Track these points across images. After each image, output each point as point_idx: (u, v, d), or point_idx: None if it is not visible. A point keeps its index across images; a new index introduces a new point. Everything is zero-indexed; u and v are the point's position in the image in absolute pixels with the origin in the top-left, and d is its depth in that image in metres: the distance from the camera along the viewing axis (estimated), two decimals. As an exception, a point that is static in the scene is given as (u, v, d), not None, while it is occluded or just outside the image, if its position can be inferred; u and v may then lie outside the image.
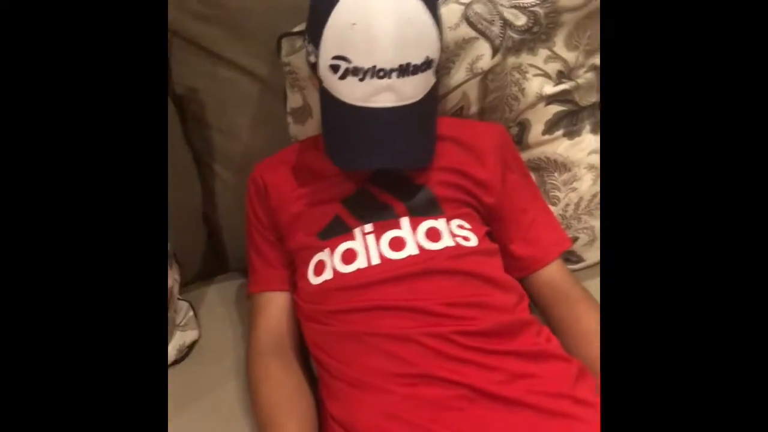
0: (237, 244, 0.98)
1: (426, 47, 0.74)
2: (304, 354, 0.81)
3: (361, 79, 0.73)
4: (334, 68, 0.74)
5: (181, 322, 0.86)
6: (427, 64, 0.75)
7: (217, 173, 0.95)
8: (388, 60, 0.72)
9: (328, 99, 0.77)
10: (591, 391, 0.72)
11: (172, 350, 0.83)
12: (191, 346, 0.86)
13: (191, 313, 0.88)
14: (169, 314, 0.83)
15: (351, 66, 0.73)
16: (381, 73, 0.73)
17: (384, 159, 0.76)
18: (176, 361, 0.84)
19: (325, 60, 0.75)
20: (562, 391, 0.70)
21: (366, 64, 0.72)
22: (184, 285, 0.92)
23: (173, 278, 0.84)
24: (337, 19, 0.73)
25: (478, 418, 0.67)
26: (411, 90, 0.75)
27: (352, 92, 0.74)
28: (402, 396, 0.68)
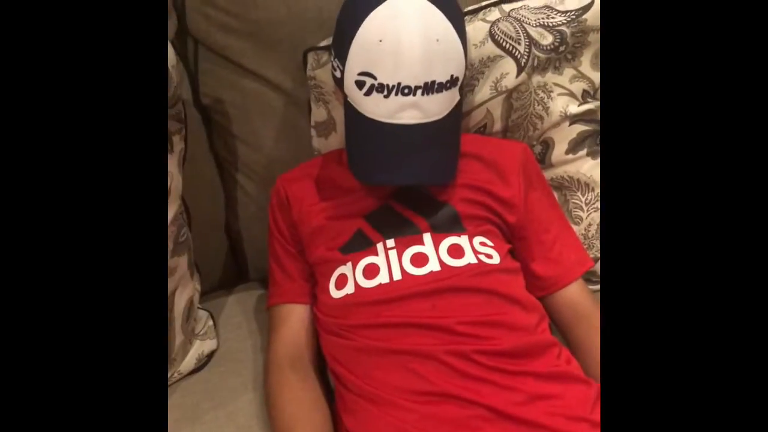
0: (257, 255, 0.99)
1: (451, 65, 0.75)
2: (322, 367, 0.81)
3: (386, 96, 0.73)
4: (360, 84, 0.74)
5: (200, 331, 0.86)
6: (452, 82, 0.75)
7: (240, 183, 0.96)
8: (413, 77, 0.72)
9: (352, 114, 0.78)
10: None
11: (191, 359, 0.83)
12: (210, 355, 0.86)
13: (211, 322, 0.89)
14: (189, 324, 0.83)
15: (376, 82, 0.73)
16: (406, 91, 0.73)
17: (406, 175, 0.76)
18: (195, 370, 0.84)
19: (350, 76, 0.75)
20: (581, 414, 0.69)
21: (391, 81, 0.73)
22: (204, 294, 0.92)
23: (194, 288, 0.85)
24: (364, 35, 0.73)
25: None
26: (436, 107, 0.75)
27: (377, 108, 0.75)
28: (420, 414, 0.68)
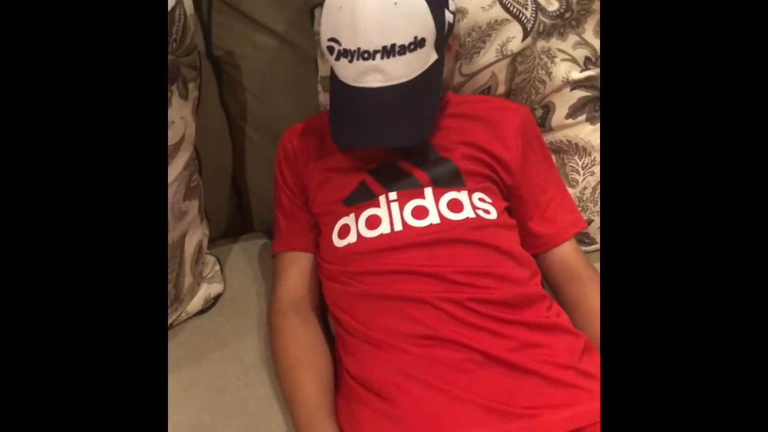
0: (263, 206, 1.02)
1: (415, 27, 0.75)
2: (323, 314, 0.85)
3: (350, 61, 0.76)
4: (330, 49, 0.77)
5: (207, 275, 0.90)
6: (416, 43, 0.76)
7: (248, 135, 0.98)
8: (369, 42, 0.74)
9: (332, 76, 0.81)
10: (595, 364, 0.75)
11: (199, 300, 0.87)
12: (216, 298, 0.90)
13: (218, 267, 0.92)
14: (198, 267, 0.87)
15: (341, 48, 0.76)
16: (366, 55, 0.75)
17: (375, 138, 0.78)
18: (201, 311, 0.88)
19: (323, 41, 0.78)
20: (568, 362, 0.74)
21: (352, 46, 0.75)
22: (211, 241, 0.95)
23: (203, 232, 0.88)
24: (329, 2, 0.77)
25: (487, 381, 0.71)
26: (400, 70, 0.76)
27: (345, 72, 0.77)
28: (416, 356, 0.72)
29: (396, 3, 0.74)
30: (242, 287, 0.92)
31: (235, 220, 1.04)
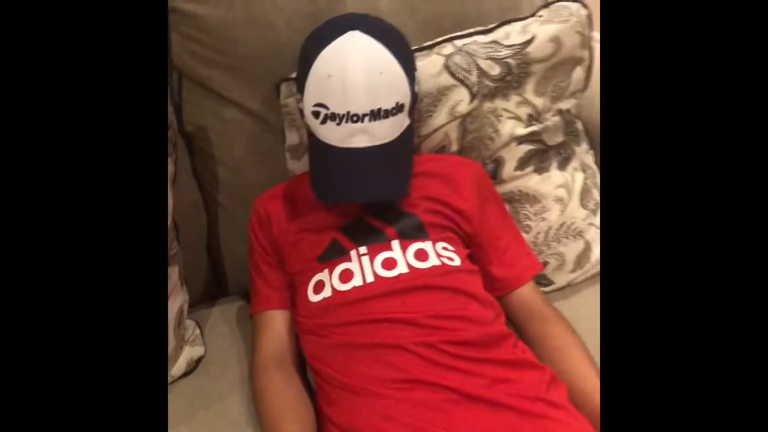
0: (237, 270, 1.06)
1: (396, 94, 0.85)
2: (303, 369, 0.89)
3: (338, 124, 0.83)
4: (315, 114, 0.85)
5: (189, 338, 0.93)
6: (398, 108, 0.85)
7: (221, 204, 1.04)
8: (360, 106, 0.82)
9: (313, 140, 0.88)
10: (562, 395, 0.81)
11: (182, 363, 0.90)
12: (198, 360, 0.93)
13: (198, 330, 0.96)
14: (180, 330, 0.90)
15: (329, 112, 0.83)
16: (355, 118, 0.83)
17: (360, 193, 0.85)
18: (185, 374, 0.91)
19: (308, 107, 0.85)
20: (537, 394, 0.79)
21: (341, 110, 0.83)
22: (190, 306, 0.99)
23: (183, 298, 0.92)
24: (316, 71, 0.84)
25: (464, 418, 0.75)
26: (384, 131, 0.85)
27: (331, 134, 0.85)
28: (396, 399, 0.77)
29: (381, 72, 0.83)
30: (222, 348, 0.96)
31: (211, 285, 1.08)
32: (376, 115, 0.83)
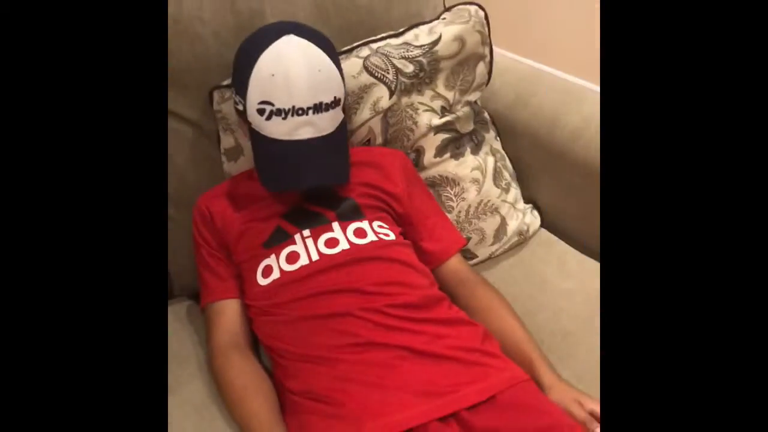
0: (181, 272, 1.11)
1: (333, 89, 0.94)
2: (257, 355, 0.95)
3: (284, 118, 0.91)
4: (261, 111, 0.92)
5: (145, 336, 0.97)
6: (336, 103, 0.94)
7: (162, 209, 1.08)
8: (304, 100, 0.91)
9: (257, 137, 0.95)
10: (495, 346, 0.92)
11: (141, 358, 0.94)
12: (156, 355, 0.97)
13: (152, 328, 1.00)
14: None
15: (275, 108, 0.91)
16: (300, 112, 0.91)
17: (309, 179, 0.94)
18: (144, 369, 0.95)
19: (252, 106, 0.93)
20: (474, 346, 0.89)
21: (287, 106, 0.91)
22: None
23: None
24: (258, 72, 0.92)
25: (412, 371, 0.84)
26: (325, 123, 0.94)
27: (277, 129, 0.92)
28: (350, 362, 0.84)
29: (320, 70, 0.92)
30: (178, 341, 1.00)
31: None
32: (318, 108, 0.91)
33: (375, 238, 0.95)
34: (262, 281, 0.94)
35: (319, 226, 0.95)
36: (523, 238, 1.20)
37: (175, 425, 0.86)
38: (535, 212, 1.24)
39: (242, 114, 0.96)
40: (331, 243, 0.93)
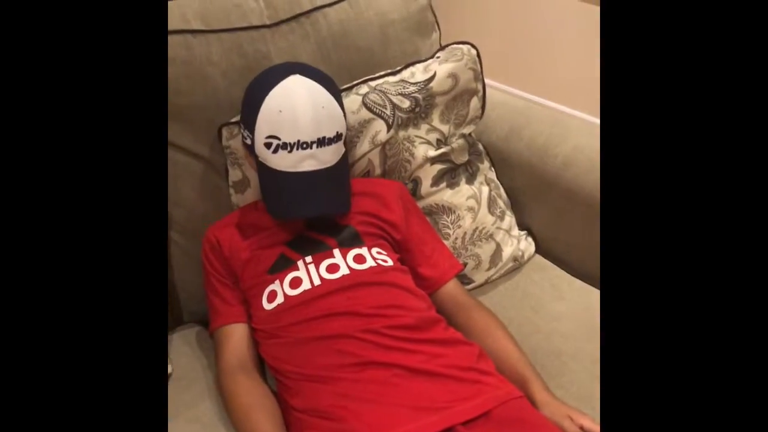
0: (190, 299, 1.16)
1: (336, 124, 1.01)
2: (263, 376, 1.00)
3: (290, 151, 0.98)
4: (268, 145, 0.99)
5: (156, 359, 1.02)
6: (338, 137, 1.01)
7: (172, 239, 1.14)
8: (309, 135, 0.98)
9: (264, 170, 1.01)
10: (490, 366, 0.96)
11: (153, 380, 0.99)
12: (167, 377, 1.02)
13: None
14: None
15: (281, 142, 0.98)
16: (304, 145, 0.98)
17: (312, 208, 1.00)
18: (155, 391, 0.99)
19: (260, 140, 0.99)
20: (470, 365, 0.94)
21: (292, 140, 0.97)
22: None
23: (149, 321, 1.01)
24: (266, 109, 0.99)
25: (411, 388, 0.89)
26: (328, 156, 1.00)
27: (283, 161, 0.99)
28: (351, 380, 0.89)
29: (323, 107, 0.98)
30: (187, 366, 1.05)
31: (167, 319, 1.17)
32: (321, 142, 0.98)
33: (374, 264, 1.00)
34: (268, 306, 0.99)
35: (320, 252, 1.01)
36: (518, 264, 1.25)
37: (184, 444, 0.91)
38: (530, 239, 1.29)
39: (250, 148, 1.02)
40: (332, 268, 0.99)
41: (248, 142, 1.02)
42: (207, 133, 1.13)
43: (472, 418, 0.86)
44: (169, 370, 1.03)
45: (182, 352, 1.08)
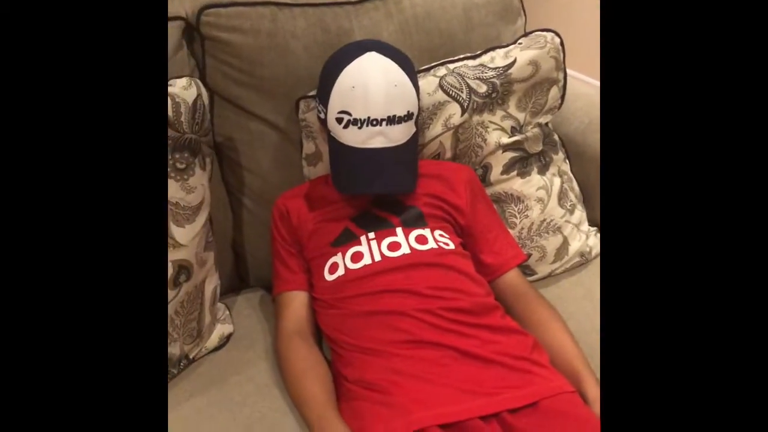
0: (258, 265, 1.21)
1: (407, 103, 1.01)
2: (318, 345, 1.03)
3: (360, 128, 0.99)
4: (339, 120, 1.00)
5: (220, 317, 1.07)
6: (408, 116, 1.01)
7: (245, 205, 1.19)
8: (379, 112, 0.99)
9: (335, 144, 1.03)
10: (544, 357, 0.95)
11: (215, 338, 1.03)
12: (228, 336, 1.06)
13: (227, 312, 1.09)
14: (214, 309, 1.04)
15: (352, 118, 0.99)
16: (374, 122, 0.99)
17: (378, 186, 1.01)
18: (217, 348, 1.04)
19: (332, 114, 1.01)
20: (522, 354, 0.93)
21: (363, 116, 0.99)
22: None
23: (217, 280, 1.06)
24: (340, 84, 1.00)
25: (461, 371, 0.90)
26: (397, 135, 1.01)
27: (353, 137, 1.00)
28: (403, 357, 0.91)
29: (396, 85, 0.99)
30: (249, 327, 1.09)
31: (234, 280, 1.22)
32: (391, 120, 0.99)
33: (435, 246, 1.01)
34: (329, 277, 1.01)
35: (384, 230, 1.02)
36: (585, 260, 1.23)
37: (237, 401, 0.94)
38: (600, 236, 1.26)
39: (323, 122, 1.05)
40: (394, 246, 1.00)
41: (322, 116, 1.04)
42: (285, 105, 1.15)
43: (520, 407, 0.86)
44: (232, 329, 1.08)
45: (245, 315, 1.12)
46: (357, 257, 1.00)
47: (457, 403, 0.86)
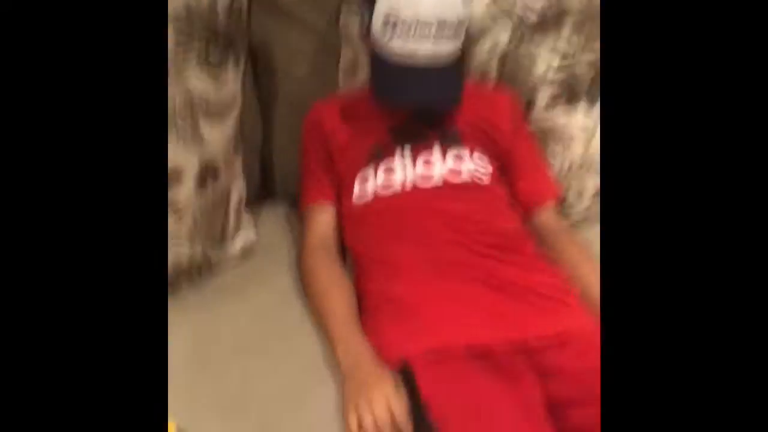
0: (285, 176, 1.17)
1: (458, 11, 0.94)
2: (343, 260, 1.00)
3: (407, 32, 0.92)
4: (385, 23, 0.94)
5: (245, 225, 1.03)
6: (458, 26, 0.94)
7: (276, 111, 1.14)
8: (429, 15, 0.91)
9: (378, 51, 0.97)
10: (575, 293, 0.92)
11: (239, 242, 1.00)
12: (252, 245, 1.03)
13: (252, 220, 1.06)
14: (240, 214, 1.01)
15: (399, 20, 0.92)
16: (423, 27, 0.92)
17: (420, 96, 0.95)
18: (240, 258, 1.01)
19: (378, 18, 0.94)
20: (554, 286, 0.91)
21: (411, 17, 0.91)
22: (244, 203, 1.08)
23: (243, 186, 1.02)
24: None
25: (489, 296, 0.87)
26: (444, 47, 0.95)
27: (399, 45, 0.94)
28: (431, 275, 0.88)
29: None
30: (274, 237, 1.06)
31: (260, 190, 1.18)
32: (441, 25, 0.92)
33: (471, 167, 0.97)
34: (359, 191, 0.98)
35: (420, 144, 0.98)
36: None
37: (259, 309, 0.92)
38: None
39: (366, 27, 0.98)
40: (429, 164, 0.97)
41: (366, 20, 0.98)
42: (325, 8, 1.10)
43: (548, 336, 0.84)
44: (255, 238, 1.04)
45: (270, 224, 1.09)
46: (390, 172, 0.97)
47: (483, 326, 0.83)
